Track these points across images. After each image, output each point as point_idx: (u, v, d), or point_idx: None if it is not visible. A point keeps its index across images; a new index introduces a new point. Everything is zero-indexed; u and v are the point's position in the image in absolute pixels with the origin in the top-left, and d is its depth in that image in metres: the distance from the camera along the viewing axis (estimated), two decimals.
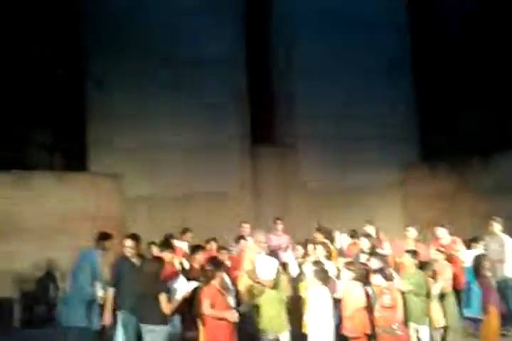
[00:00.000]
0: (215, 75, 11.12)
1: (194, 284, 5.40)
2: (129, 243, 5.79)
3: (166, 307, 5.00)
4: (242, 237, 7.30)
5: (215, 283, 5.15)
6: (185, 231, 7.88)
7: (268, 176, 11.72)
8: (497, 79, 11.33)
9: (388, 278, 5.87)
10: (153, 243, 6.97)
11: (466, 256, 6.80)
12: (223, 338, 4.98)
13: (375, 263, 6.02)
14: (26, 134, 10.24)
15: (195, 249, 6.32)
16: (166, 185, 10.50)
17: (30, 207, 9.00)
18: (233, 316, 5.01)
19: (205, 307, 5.00)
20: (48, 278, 8.90)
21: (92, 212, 9.71)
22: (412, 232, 7.38)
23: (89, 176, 10.09)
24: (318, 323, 5.41)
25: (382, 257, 6.33)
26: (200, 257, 6.05)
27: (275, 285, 5.79)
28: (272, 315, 5.68)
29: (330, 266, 6.28)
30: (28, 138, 10.29)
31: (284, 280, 5.93)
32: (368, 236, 7.19)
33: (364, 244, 6.89)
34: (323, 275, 5.60)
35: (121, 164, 10.28)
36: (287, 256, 6.62)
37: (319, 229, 7.48)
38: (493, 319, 6.02)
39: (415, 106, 12.78)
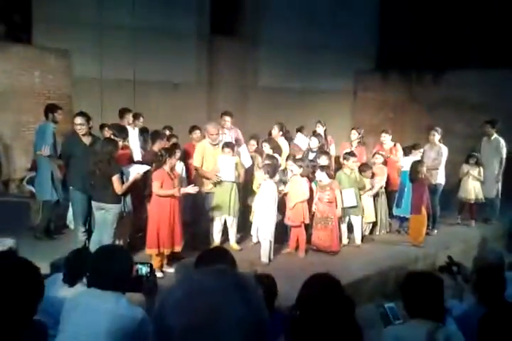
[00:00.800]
0: None
1: (146, 167, 5.54)
2: (78, 120, 5.63)
3: (117, 187, 5.16)
4: (195, 127, 7.25)
5: (166, 167, 5.33)
6: (136, 115, 7.77)
7: (225, 69, 11.43)
8: (457, 3, 11.24)
9: (331, 176, 6.27)
10: (105, 125, 6.87)
11: (404, 161, 7.28)
12: (168, 214, 5.29)
13: (323, 160, 6.35)
14: None
15: (155, 134, 6.32)
16: (116, 68, 10.00)
17: None
18: (177, 192, 5.29)
19: (155, 188, 5.28)
20: None
21: (37, 88, 9.24)
22: (354, 135, 7.68)
23: (36, 50, 9.36)
24: (262, 212, 5.83)
25: (329, 157, 6.66)
26: (160, 143, 6.10)
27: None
28: (221, 200, 6.08)
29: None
30: None
31: (237, 171, 6.17)
32: (317, 135, 7.40)
33: (313, 142, 7.14)
34: (271, 170, 5.87)
35: (69, 41, 9.56)
36: (241, 150, 6.76)
37: (279, 125, 7.41)
38: (423, 218, 6.70)
39: (376, 18, 12.57)
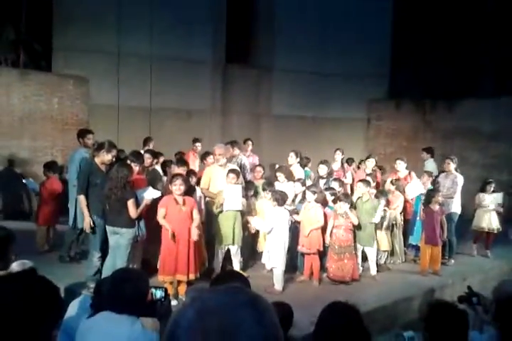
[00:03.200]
0: None
1: (157, 193, 5.52)
2: (114, 152, 5.64)
3: (132, 211, 5.15)
4: (207, 153, 7.27)
5: (173, 193, 5.28)
6: (147, 140, 7.97)
7: (239, 97, 11.62)
8: (473, 31, 11.40)
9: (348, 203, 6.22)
10: (122, 151, 6.97)
11: (409, 187, 7.24)
12: (174, 242, 5.17)
13: (336, 187, 6.33)
14: None
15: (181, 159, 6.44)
16: (133, 95, 10.24)
17: None
18: (169, 233, 5.11)
19: (159, 216, 5.21)
20: (10, 175, 8.75)
21: (55, 114, 9.45)
22: (371, 163, 7.70)
23: (55, 77, 9.62)
24: (274, 240, 5.73)
25: (344, 185, 6.62)
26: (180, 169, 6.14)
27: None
28: (225, 229, 5.99)
29: (289, 189, 6.52)
30: None
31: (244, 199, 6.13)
32: (325, 162, 7.40)
33: (322, 170, 7.17)
34: (280, 197, 5.80)
35: (87, 69, 9.85)
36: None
37: (296, 154, 7.35)
38: (428, 248, 6.56)
39: (389, 46, 12.75)
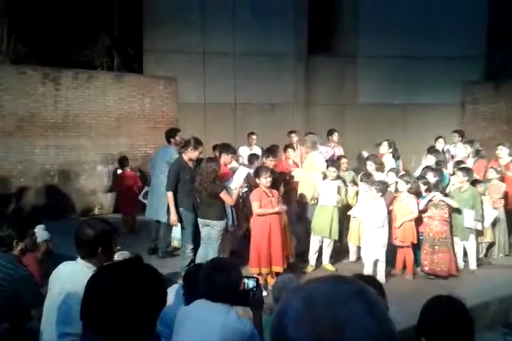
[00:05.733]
0: None
1: (246, 170, 5.75)
2: (200, 149, 5.78)
3: (228, 200, 5.32)
4: (289, 146, 7.35)
5: (261, 186, 5.34)
6: (248, 135, 8.43)
7: (323, 88, 11.43)
8: None
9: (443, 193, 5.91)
10: (217, 146, 7.25)
11: None
12: (268, 231, 5.26)
13: (431, 178, 6.02)
14: (90, 37, 10.25)
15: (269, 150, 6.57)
16: (218, 92, 10.46)
17: (90, 106, 9.26)
18: (280, 209, 5.31)
19: (255, 208, 5.30)
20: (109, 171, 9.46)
21: (147, 114, 9.95)
22: (467, 149, 7.27)
23: (146, 78, 10.12)
24: (374, 233, 5.58)
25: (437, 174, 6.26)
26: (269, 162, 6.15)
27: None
28: (322, 224, 5.95)
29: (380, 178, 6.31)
30: (92, 41, 10.32)
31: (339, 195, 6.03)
32: (435, 152, 7.11)
33: (430, 160, 6.89)
34: (384, 188, 5.64)
35: (175, 69, 10.24)
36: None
37: (389, 144, 7.16)
38: None
39: (485, 24, 11.78)
